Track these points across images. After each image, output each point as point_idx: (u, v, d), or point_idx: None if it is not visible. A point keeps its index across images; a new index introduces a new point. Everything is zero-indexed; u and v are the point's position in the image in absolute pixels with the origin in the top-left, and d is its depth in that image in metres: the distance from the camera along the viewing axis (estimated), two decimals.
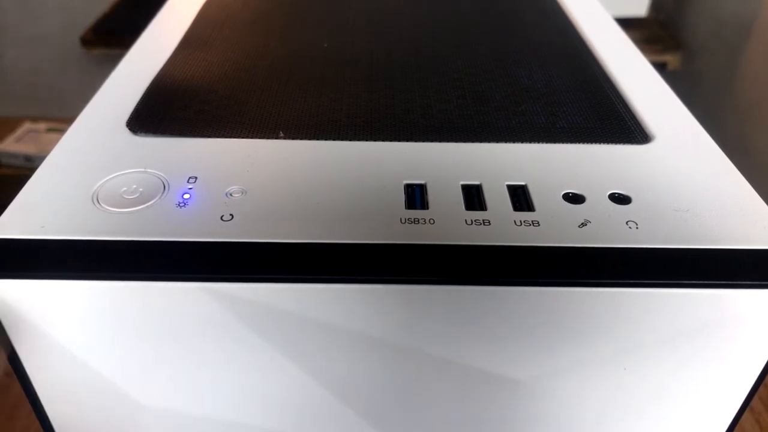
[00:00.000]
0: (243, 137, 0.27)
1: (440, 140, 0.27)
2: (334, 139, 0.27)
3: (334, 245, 0.21)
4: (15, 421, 0.45)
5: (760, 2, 0.83)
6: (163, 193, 0.24)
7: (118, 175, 0.24)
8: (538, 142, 0.27)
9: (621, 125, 0.29)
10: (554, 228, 0.22)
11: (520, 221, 0.22)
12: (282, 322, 0.21)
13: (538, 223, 0.22)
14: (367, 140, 0.27)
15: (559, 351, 0.22)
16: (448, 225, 0.22)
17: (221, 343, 0.22)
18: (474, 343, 0.22)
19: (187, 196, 0.23)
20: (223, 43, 0.36)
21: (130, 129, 0.28)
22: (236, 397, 0.24)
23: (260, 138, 0.27)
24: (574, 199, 0.24)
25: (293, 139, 0.27)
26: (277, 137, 0.27)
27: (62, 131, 0.30)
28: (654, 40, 0.95)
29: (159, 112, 0.29)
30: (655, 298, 0.21)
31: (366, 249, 0.21)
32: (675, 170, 0.26)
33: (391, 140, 0.27)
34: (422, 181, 0.24)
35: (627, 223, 0.23)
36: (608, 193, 0.24)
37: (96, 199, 0.23)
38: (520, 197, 0.24)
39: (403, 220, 0.22)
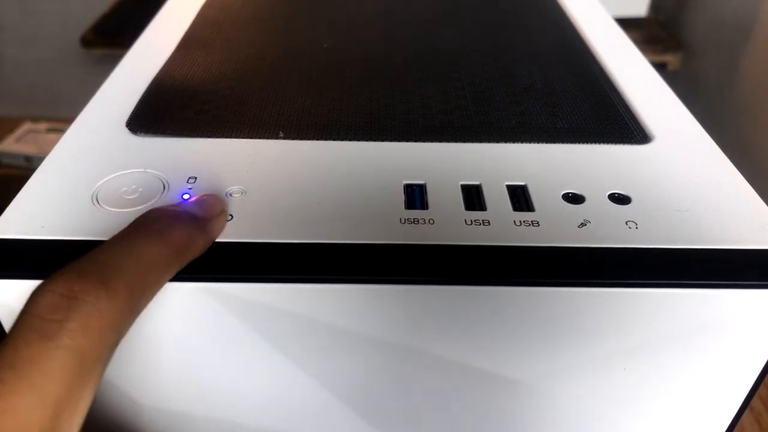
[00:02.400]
0: (243, 137, 0.27)
1: (440, 140, 0.27)
2: (334, 139, 0.27)
3: (334, 245, 0.21)
4: None
5: (760, 2, 0.83)
6: (162, 193, 0.24)
7: (118, 175, 0.24)
8: (538, 142, 0.27)
9: (621, 125, 0.29)
10: (554, 228, 0.22)
11: (520, 221, 0.22)
12: (281, 322, 0.21)
13: (537, 223, 0.22)
14: (367, 140, 0.27)
15: (559, 351, 0.22)
16: (447, 225, 0.22)
17: (220, 343, 0.22)
18: (473, 343, 0.22)
19: (186, 196, 0.23)
20: (222, 43, 0.36)
21: (130, 129, 0.28)
22: (235, 396, 0.24)
23: (260, 138, 0.27)
24: (574, 199, 0.24)
25: (293, 139, 0.27)
26: (277, 137, 0.27)
27: (62, 131, 0.30)
28: (654, 40, 0.94)
29: (159, 112, 0.29)
30: (655, 298, 0.21)
31: (366, 249, 0.21)
32: (675, 170, 0.26)
33: (391, 140, 0.27)
34: (422, 181, 0.24)
35: (627, 223, 0.23)
36: (608, 193, 0.24)
37: (96, 199, 0.23)
38: (520, 197, 0.24)
39: (403, 221, 0.22)
